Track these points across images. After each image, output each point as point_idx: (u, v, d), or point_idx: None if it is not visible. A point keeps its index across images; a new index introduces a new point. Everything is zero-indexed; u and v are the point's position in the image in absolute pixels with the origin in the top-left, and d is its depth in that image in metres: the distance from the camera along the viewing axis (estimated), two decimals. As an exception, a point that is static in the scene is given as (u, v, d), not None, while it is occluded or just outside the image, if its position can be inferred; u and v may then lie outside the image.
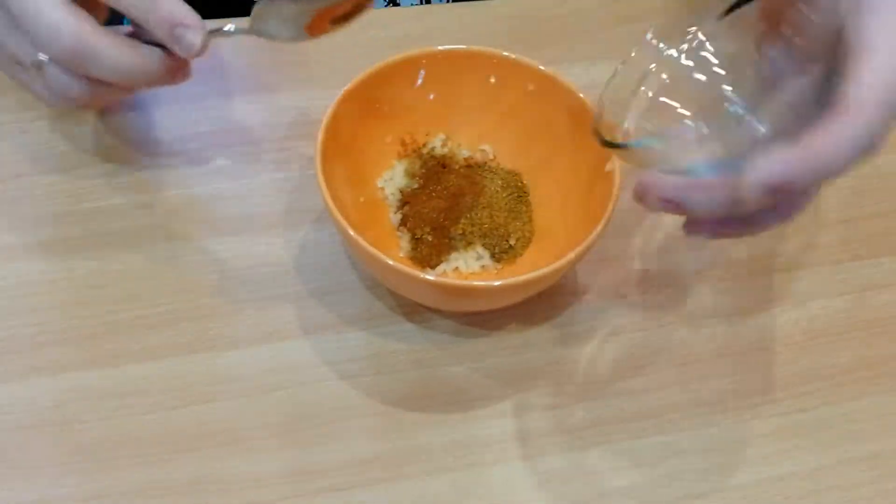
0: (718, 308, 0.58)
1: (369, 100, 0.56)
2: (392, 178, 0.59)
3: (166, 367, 0.53)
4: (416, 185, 0.59)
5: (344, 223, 0.50)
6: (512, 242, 0.58)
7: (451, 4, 0.72)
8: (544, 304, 0.57)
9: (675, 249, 0.60)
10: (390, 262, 0.50)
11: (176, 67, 0.52)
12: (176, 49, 0.49)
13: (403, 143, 0.60)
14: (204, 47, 0.50)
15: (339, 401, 0.53)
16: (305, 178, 0.60)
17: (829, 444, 0.54)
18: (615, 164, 0.53)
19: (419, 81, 0.58)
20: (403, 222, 0.58)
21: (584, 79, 0.67)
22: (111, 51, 0.48)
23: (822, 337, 0.58)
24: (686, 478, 0.52)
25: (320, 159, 0.52)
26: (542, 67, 0.57)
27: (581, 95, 0.56)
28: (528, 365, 0.55)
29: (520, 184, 0.60)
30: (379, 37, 0.68)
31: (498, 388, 0.54)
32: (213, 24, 0.51)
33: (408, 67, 0.58)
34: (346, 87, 0.55)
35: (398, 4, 0.75)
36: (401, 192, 0.59)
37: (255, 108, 0.63)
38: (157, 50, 0.51)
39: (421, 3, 0.75)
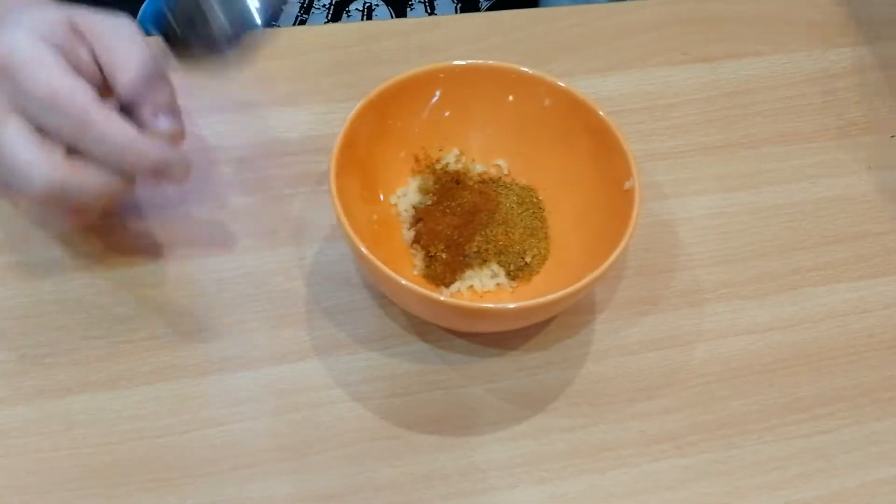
0: (737, 327, 0.57)
1: (384, 115, 0.55)
2: (405, 195, 0.58)
3: (178, 388, 0.52)
4: (429, 202, 0.58)
5: (356, 240, 0.50)
6: (528, 260, 0.57)
7: (461, 15, 0.71)
8: (560, 322, 0.56)
9: (693, 266, 0.59)
10: (403, 282, 0.49)
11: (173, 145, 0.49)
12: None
13: (417, 159, 0.59)
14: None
15: (353, 423, 0.52)
16: (317, 195, 0.59)
17: (851, 466, 0.53)
18: (635, 181, 0.53)
19: (436, 97, 0.58)
20: (417, 240, 0.57)
21: (596, 91, 0.66)
22: (109, 125, 0.46)
23: (842, 356, 0.57)
24: (707, 501, 0.51)
25: (334, 175, 0.51)
26: (560, 83, 0.56)
27: (600, 112, 0.55)
28: (544, 386, 0.54)
29: (535, 200, 0.59)
30: (390, 48, 0.67)
31: (514, 409, 0.53)
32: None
33: (424, 83, 0.57)
34: (362, 102, 0.54)
35: (405, 15, 0.74)
36: (414, 208, 0.58)
37: (267, 123, 0.62)
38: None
39: (427, 14, 0.74)
